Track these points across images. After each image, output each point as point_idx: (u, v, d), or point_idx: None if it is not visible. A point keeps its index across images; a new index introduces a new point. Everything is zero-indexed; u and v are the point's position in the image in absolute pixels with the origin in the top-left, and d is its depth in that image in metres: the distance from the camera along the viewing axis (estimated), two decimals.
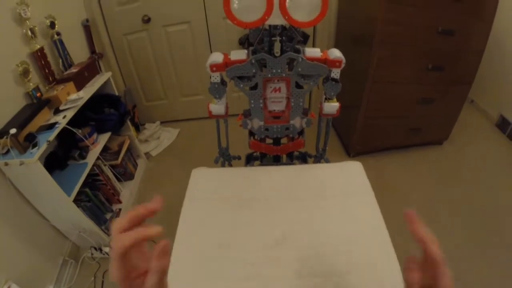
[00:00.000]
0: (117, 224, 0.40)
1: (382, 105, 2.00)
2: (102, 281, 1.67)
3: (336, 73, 1.03)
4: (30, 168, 1.29)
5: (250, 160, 1.32)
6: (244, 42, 1.43)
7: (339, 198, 0.98)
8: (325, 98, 1.09)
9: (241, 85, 1.03)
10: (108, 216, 1.89)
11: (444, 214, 1.85)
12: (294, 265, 0.78)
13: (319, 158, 1.26)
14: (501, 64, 2.34)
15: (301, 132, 1.17)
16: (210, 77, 1.03)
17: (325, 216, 0.92)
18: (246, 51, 1.05)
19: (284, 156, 1.28)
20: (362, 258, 0.80)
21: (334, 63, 1.00)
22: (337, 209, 0.94)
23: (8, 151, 1.28)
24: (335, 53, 1.01)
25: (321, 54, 1.03)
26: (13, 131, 1.26)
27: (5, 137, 1.25)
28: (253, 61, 0.98)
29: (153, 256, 0.39)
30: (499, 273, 1.53)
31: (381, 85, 1.89)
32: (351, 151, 2.30)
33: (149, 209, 0.42)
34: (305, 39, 1.24)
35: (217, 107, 1.09)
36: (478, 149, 2.30)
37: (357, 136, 2.16)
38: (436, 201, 1.94)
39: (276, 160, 1.27)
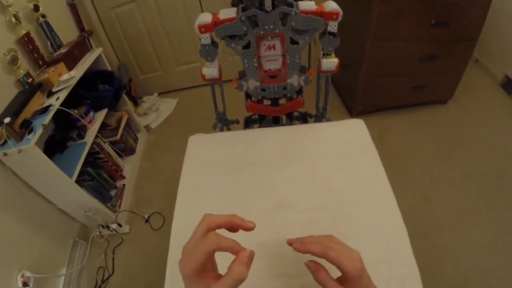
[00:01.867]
0: (211, 219, 0.41)
1: (384, 62, 1.94)
2: (113, 258, 1.70)
3: (333, 26, 0.97)
4: (28, 155, 1.28)
5: (248, 124, 1.29)
6: (237, 4, 1.36)
7: (342, 157, 0.94)
8: (323, 54, 1.04)
9: (233, 45, 0.97)
10: (112, 192, 1.90)
11: (448, 174, 1.84)
12: (296, 229, 0.76)
13: (320, 117, 1.22)
14: (507, 23, 2.23)
15: (299, 91, 1.13)
16: (200, 39, 0.98)
17: (327, 176, 0.89)
18: (236, 8, 0.99)
19: (284, 117, 1.24)
20: (366, 219, 0.78)
21: (330, 15, 0.94)
22: (340, 169, 0.90)
23: (5, 141, 1.26)
24: (332, 5, 0.95)
25: (316, 7, 0.97)
26: (7, 120, 1.24)
27: (0, 127, 1.24)
28: (243, 18, 0.92)
29: (235, 260, 0.37)
30: (506, 232, 1.53)
31: (382, 42, 1.82)
32: (354, 111, 2.27)
33: (245, 226, 0.43)
34: None
35: (210, 70, 1.04)
36: (483, 109, 2.25)
37: (359, 95, 2.12)
38: (440, 161, 1.92)
39: (276, 122, 1.23)
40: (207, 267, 0.39)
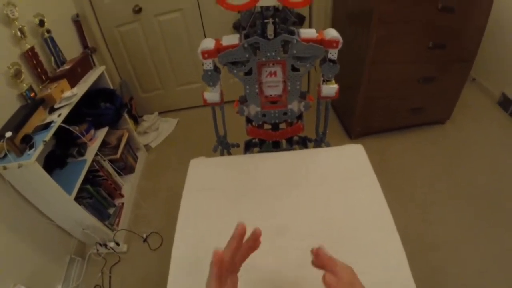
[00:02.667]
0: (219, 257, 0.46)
1: (382, 85, 1.96)
2: (110, 276, 1.68)
3: (333, 53, 0.99)
4: (28, 170, 1.28)
5: (249, 147, 1.30)
6: (238, 27, 1.39)
7: (341, 183, 0.95)
8: (323, 80, 1.06)
9: (235, 71, 0.99)
10: (111, 211, 1.89)
11: (447, 195, 1.84)
12: (297, 255, 0.76)
13: (320, 142, 1.23)
14: (503, 41, 2.28)
15: (299, 116, 1.14)
16: (203, 65, 1.00)
17: (327, 202, 0.90)
18: (238, 35, 1.01)
19: (284, 141, 1.25)
20: (365, 244, 0.78)
21: (331, 43, 0.96)
22: (340, 195, 0.91)
23: (5, 155, 1.26)
24: (332, 33, 0.97)
25: (317, 34, 0.99)
26: (8, 134, 1.24)
27: (1, 141, 1.24)
28: (246, 45, 0.94)
29: None
30: (503, 252, 1.53)
31: (380, 65, 1.85)
32: (352, 133, 2.28)
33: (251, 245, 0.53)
34: (300, 21, 1.19)
35: (211, 95, 1.06)
36: (481, 128, 2.27)
37: (358, 117, 2.13)
38: (439, 182, 1.92)
39: (276, 146, 1.24)
40: None
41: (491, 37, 2.18)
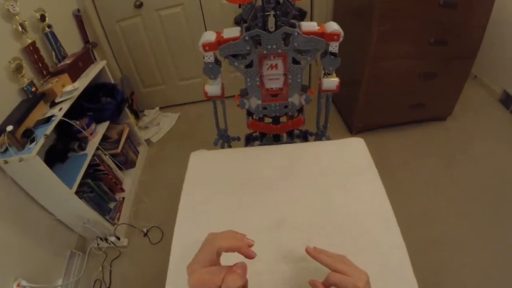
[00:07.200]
0: (220, 244, 0.44)
1: (383, 80, 1.96)
2: (110, 270, 1.69)
3: (334, 47, 0.99)
4: (29, 164, 1.28)
5: (249, 141, 1.30)
6: (239, 22, 1.39)
7: (342, 176, 0.95)
8: (324, 74, 1.06)
9: (236, 64, 0.99)
10: (111, 205, 1.89)
11: (448, 190, 1.84)
12: (297, 247, 0.76)
13: (320, 135, 1.23)
14: (504, 39, 2.27)
15: (300, 110, 1.15)
16: (204, 57, 1.00)
17: (327, 195, 0.89)
18: (239, 28, 1.02)
19: (285, 135, 1.26)
20: (366, 237, 0.78)
21: (332, 36, 0.96)
22: (340, 188, 0.91)
23: (6, 149, 1.26)
24: (333, 26, 0.97)
25: (318, 28, 0.99)
26: (9, 128, 1.24)
27: (2, 135, 1.24)
28: (247, 38, 0.94)
29: (228, 274, 0.41)
30: (504, 250, 1.53)
31: (381, 60, 1.85)
32: (353, 129, 2.28)
33: (247, 255, 0.46)
34: (302, 15, 1.19)
35: (212, 88, 1.06)
36: (482, 125, 2.26)
37: (359, 113, 2.13)
38: (439, 178, 1.92)
39: (276, 140, 1.24)
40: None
41: (493, 34, 2.18)
